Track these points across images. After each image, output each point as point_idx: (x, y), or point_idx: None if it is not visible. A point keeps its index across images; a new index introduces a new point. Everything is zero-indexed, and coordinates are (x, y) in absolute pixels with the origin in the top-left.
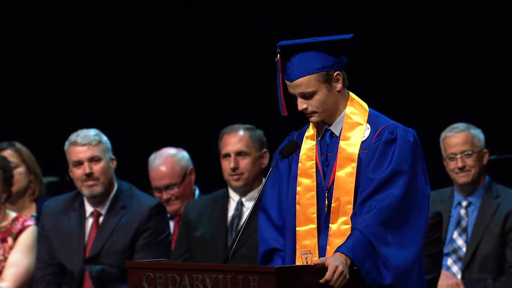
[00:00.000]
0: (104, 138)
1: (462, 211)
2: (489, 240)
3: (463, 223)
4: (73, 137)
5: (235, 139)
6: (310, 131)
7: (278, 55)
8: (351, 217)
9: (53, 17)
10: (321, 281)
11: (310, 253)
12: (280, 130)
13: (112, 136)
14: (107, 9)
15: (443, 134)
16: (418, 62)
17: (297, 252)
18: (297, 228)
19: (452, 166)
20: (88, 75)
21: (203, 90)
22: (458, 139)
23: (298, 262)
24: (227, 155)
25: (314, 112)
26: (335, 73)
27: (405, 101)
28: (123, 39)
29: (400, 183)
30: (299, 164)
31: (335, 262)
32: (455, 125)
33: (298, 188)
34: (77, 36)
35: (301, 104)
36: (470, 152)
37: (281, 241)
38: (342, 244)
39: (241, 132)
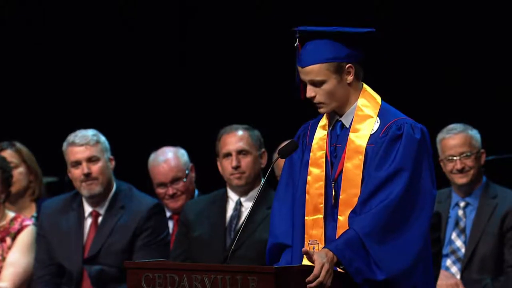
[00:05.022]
0: (102, 138)
1: (460, 212)
2: (487, 240)
3: (461, 224)
4: (71, 137)
5: (235, 139)
6: (323, 120)
7: (297, 39)
8: (349, 216)
9: (53, 17)
10: (309, 278)
11: (317, 243)
12: (277, 131)
13: (111, 137)
14: (106, 10)
15: (440, 136)
16: (414, 61)
17: (305, 241)
18: (305, 218)
19: (450, 167)
20: (87, 75)
21: (202, 91)
22: (457, 141)
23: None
24: (228, 154)
25: (321, 103)
26: (347, 65)
27: (402, 100)
28: (122, 39)
29: (401, 181)
30: (311, 154)
31: (322, 259)
32: (451, 126)
33: (308, 178)
34: (76, 36)
35: (310, 92)
36: (469, 154)
37: (291, 235)
38: (333, 242)
39: (241, 132)
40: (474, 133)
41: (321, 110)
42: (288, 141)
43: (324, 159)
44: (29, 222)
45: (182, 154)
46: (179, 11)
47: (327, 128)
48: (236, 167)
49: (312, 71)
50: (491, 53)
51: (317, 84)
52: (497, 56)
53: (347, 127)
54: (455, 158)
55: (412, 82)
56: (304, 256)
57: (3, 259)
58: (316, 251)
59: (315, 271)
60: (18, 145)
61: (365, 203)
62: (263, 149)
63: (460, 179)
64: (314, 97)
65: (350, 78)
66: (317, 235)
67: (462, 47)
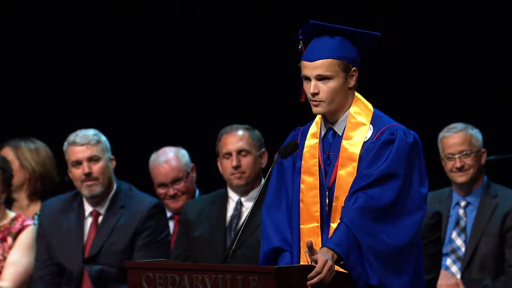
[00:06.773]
0: (103, 138)
1: (461, 211)
2: (488, 240)
3: (462, 223)
4: (71, 137)
5: (236, 138)
6: (313, 128)
7: (301, 35)
8: (342, 208)
9: (52, 18)
10: (311, 274)
11: None
12: (277, 131)
13: (112, 136)
14: (107, 10)
15: (441, 135)
16: (415, 61)
17: (301, 250)
18: (301, 226)
19: (450, 166)
20: (88, 75)
21: (202, 91)
22: (456, 139)
23: (303, 259)
24: (229, 154)
25: (322, 101)
26: (353, 68)
27: (403, 101)
28: (123, 39)
29: (393, 187)
30: (302, 162)
31: (325, 256)
32: (452, 125)
33: (302, 186)
34: (76, 36)
35: (314, 88)
36: (468, 152)
37: (286, 240)
38: (329, 238)
39: (241, 132)
40: (475, 133)
41: (318, 109)
42: (292, 138)
43: (317, 167)
44: (30, 222)
45: (183, 154)
46: (180, 11)
47: (318, 136)
48: (236, 167)
49: (322, 65)
50: (491, 53)
51: (324, 79)
52: (497, 56)
53: (340, 135)
54: (454, 156)
55: (413, 82)
56: (304, 255)
57: (4, 258)
58: (317, 249)
59: (318, 267)
60: (22, 143)
61: (353, 196)
62: (263, 149)
63: (460, 178)
64: (317, 94)
65: (352, 82)
66: (314, 244)
67: (462, 47)
